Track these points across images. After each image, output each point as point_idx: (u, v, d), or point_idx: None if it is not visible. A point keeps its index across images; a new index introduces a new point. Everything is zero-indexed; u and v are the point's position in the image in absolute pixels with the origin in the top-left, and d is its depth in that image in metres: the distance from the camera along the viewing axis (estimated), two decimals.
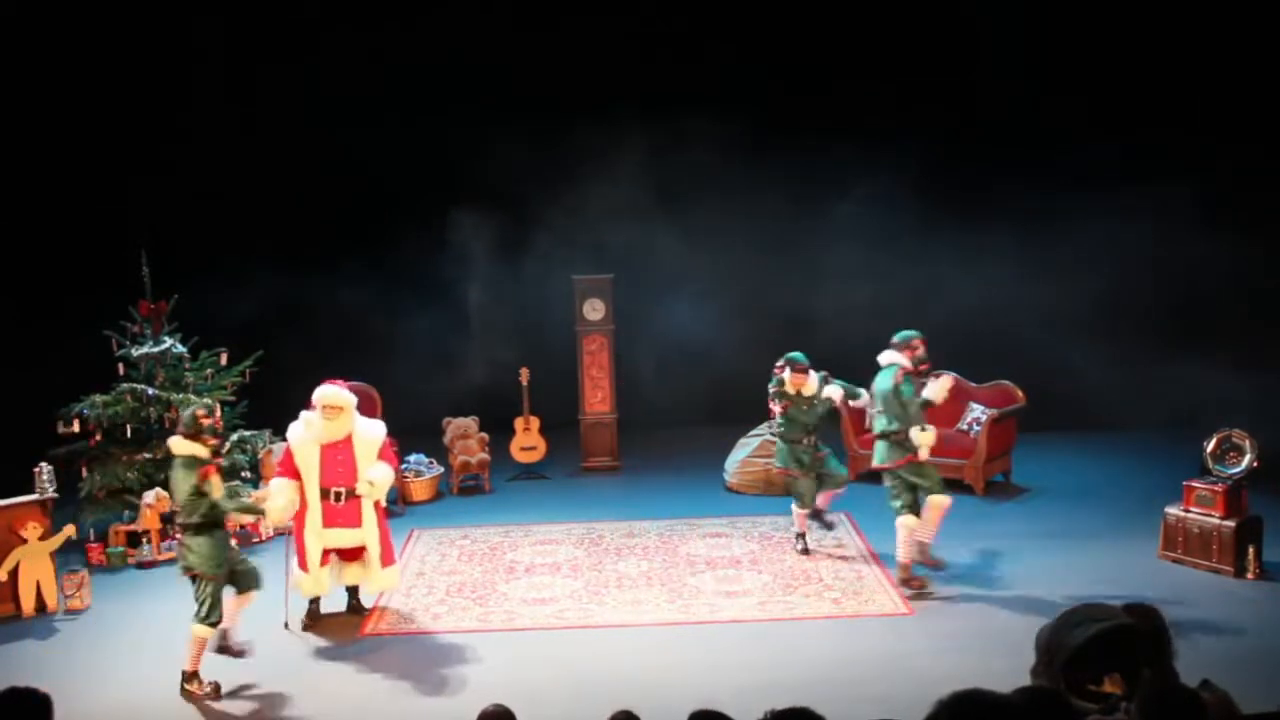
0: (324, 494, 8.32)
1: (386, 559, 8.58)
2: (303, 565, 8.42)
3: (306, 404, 8.50)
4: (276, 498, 8.26)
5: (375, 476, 8.43)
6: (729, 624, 8.32)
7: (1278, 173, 11.68)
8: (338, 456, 8.34)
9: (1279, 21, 11.73)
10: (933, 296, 12.33)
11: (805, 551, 9.65)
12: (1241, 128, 11.82)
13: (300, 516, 8.39)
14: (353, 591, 8.71)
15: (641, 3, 12.47)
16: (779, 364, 9.49)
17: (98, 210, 12.17)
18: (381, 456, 8.53)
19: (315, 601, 8.55)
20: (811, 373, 9.47)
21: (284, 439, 8.72)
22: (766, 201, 12.28)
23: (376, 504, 8.50)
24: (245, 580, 7.74)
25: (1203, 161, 11.52)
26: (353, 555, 8.53)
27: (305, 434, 8.38)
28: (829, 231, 11.84)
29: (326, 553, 8.44)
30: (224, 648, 7.71)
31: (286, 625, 8.36)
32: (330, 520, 8.35)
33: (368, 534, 8.43)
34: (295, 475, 8.34)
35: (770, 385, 9.49)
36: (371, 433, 8.53)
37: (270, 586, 8.09)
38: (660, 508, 10.59)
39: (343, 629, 8.35)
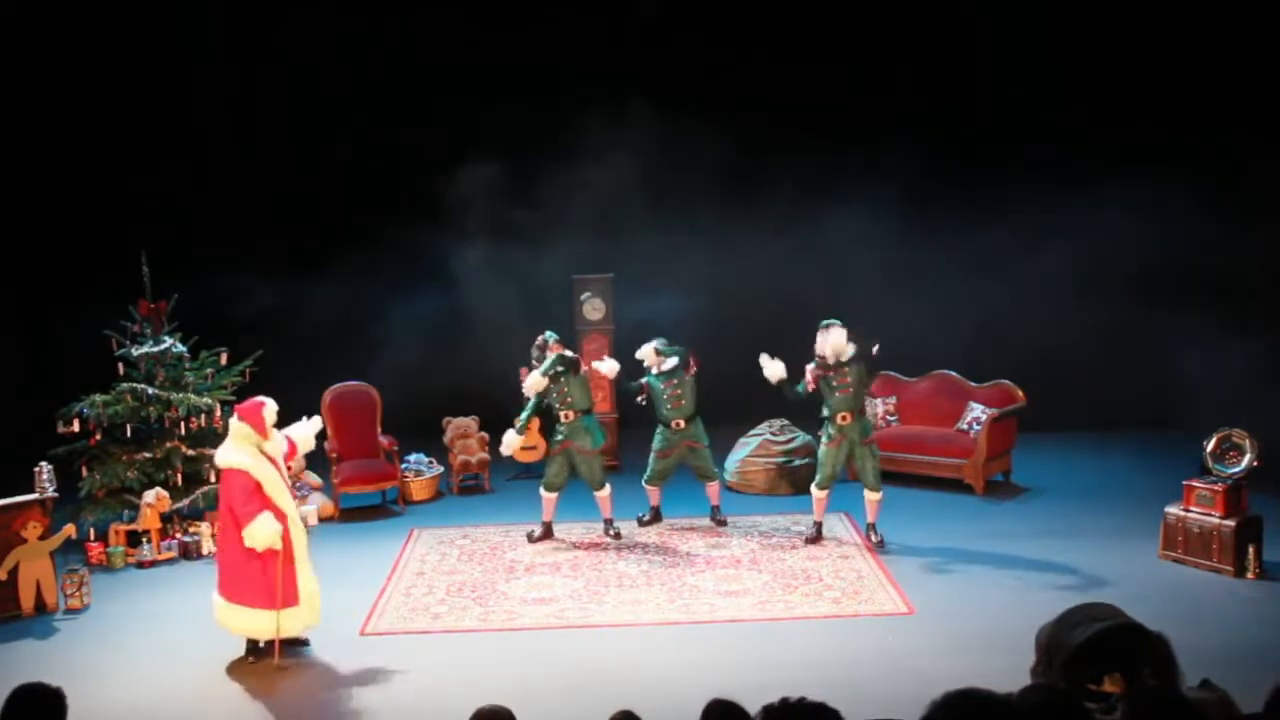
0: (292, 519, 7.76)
1: None
2: (293, 599, 7.71)
3: (241, 411, 7.87)
4: (266, 530, 7.52)
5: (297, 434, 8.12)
6: (728, 624, 8.31)
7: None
8: (281, 475, 7.83)
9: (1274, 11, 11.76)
10: (933, 296, 12.34)
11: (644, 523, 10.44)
12: (1242, 123, 11.82)
13: (286, 547, 7.66)
14: None
15: (642, 1, 12.48)
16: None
17: (98, 210, 12.18)
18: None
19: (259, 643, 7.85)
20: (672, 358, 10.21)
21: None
22: (767, 201, 12.27)
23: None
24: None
25: (1207, 159, 11.52)
26: None
27: (250, 458, 7.68)
28: (829, 231, 11.84)
29: None
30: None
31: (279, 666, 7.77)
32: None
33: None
34: (267, 504, 7.63)
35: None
36: (283, 444, 8.03)
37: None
38: (660, 507, 10.58)
39: (342, 629, 8.32)
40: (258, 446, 7.73)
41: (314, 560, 8.04)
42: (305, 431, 8.27)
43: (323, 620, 8.12)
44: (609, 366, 10.48)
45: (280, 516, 7.63)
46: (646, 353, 10.31)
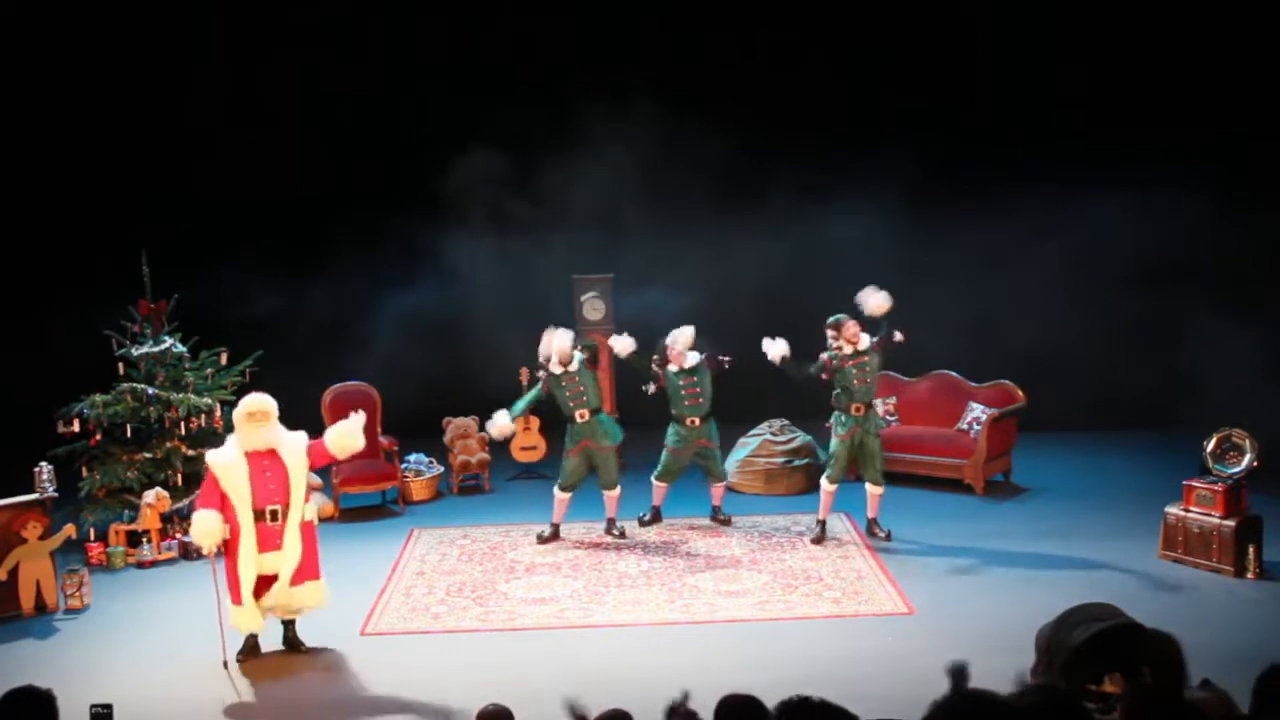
0: (258, 515, 7.67)
1: (310, 573, 7.86)
2: (236, 598, 7.75)
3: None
4: (199, 526, 7.69)
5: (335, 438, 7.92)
6: (728, 624, 8.32)
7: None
8: (265, 472, 7.71)
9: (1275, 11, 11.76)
10: (933, 296, 12.32)
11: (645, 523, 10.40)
12: (1242, 123, 11.81)
13: (232, 544, 7.71)
14: (288, 625, 8.04)
15: (641, 1, 12.48)
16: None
17: (99, 209, 12.17)
18: (311, 458, 7.90)
19: (253, 635, 7.93)
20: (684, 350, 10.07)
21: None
22: (767, 201, 12.27)
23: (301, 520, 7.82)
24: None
25: (1207, 159, 11.50)
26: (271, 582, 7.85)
27: (229, 452, 7.78)
28: (829, 230, 11.83)
29: (262, 580, 7.74)
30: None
31: (225, 664, 7.73)
32: (266, 544, 7.69)
33: (286, 556, 7.73)
34: (218, 503, 7.70)
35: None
36: (295, 442, 7.86)
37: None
38: (661, 507, 10.58)
39: (342, 629, 8.32)
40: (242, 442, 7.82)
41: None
42: (335, 432, 8.03)
43: (323, 620, 8.12)
44: (623, 344, 10.21)
45: (230, 514, 7.67)
46: (682, 343, 10.04)
